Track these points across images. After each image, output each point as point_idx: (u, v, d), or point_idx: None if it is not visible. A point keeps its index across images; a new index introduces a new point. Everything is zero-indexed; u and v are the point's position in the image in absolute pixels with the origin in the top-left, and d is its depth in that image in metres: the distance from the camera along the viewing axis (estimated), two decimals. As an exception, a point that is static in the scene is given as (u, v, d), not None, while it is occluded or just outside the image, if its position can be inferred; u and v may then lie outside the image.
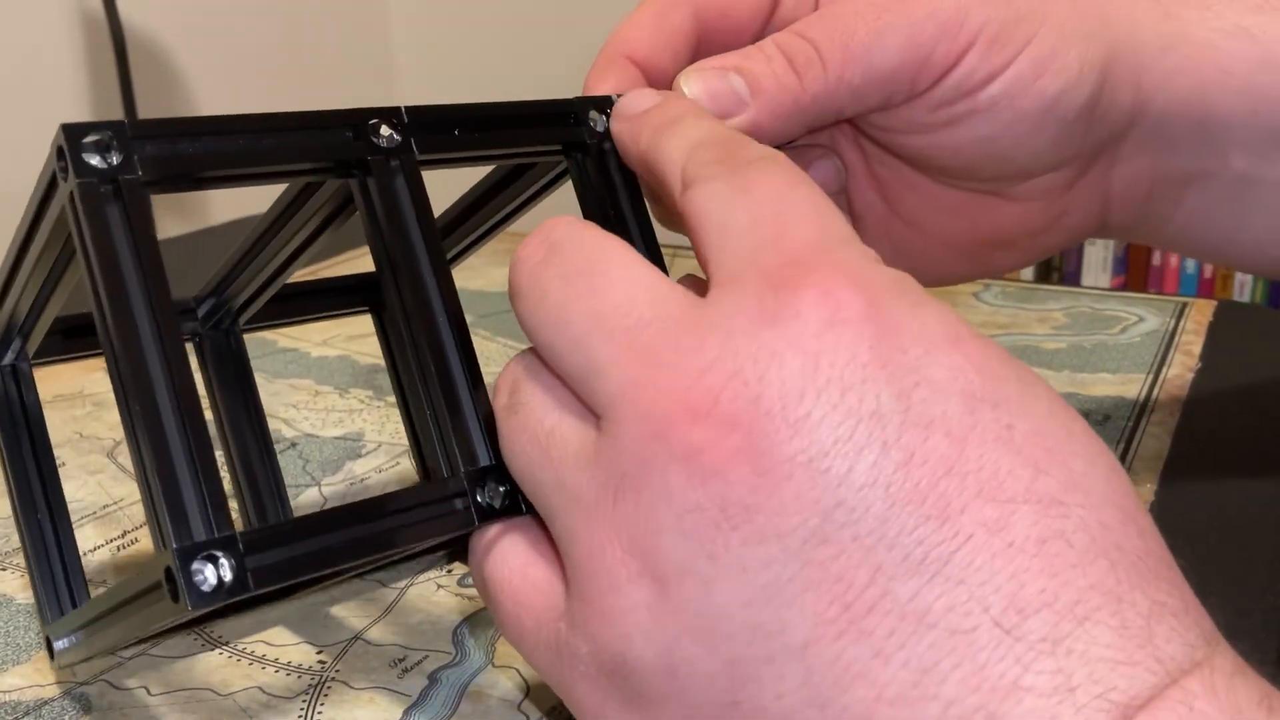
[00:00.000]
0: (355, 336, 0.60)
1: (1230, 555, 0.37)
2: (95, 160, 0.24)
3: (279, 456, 0.47)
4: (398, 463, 0.46)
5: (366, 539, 0.25)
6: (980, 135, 0.35)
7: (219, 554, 0.22)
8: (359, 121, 0.27)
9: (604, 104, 0.31)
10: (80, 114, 1.40)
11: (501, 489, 0.26)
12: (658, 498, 0.22)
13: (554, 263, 0.25)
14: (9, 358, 0.33)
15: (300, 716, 0.31)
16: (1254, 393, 0.51)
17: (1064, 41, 0.34)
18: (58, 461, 0.48)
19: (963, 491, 0.21)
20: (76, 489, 0.44)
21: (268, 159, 0.26)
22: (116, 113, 1.37)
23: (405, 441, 0.47)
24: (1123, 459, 0.44)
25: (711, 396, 0.22)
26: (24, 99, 1.32)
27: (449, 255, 0.36)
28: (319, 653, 0.34)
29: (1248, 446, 0.46)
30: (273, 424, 0.50)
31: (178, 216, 1.42)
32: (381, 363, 0.57)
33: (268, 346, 0.59)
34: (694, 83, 0.32)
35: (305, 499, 0.43)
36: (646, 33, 0.35)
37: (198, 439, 0.23)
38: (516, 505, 0.27)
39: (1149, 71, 0.36)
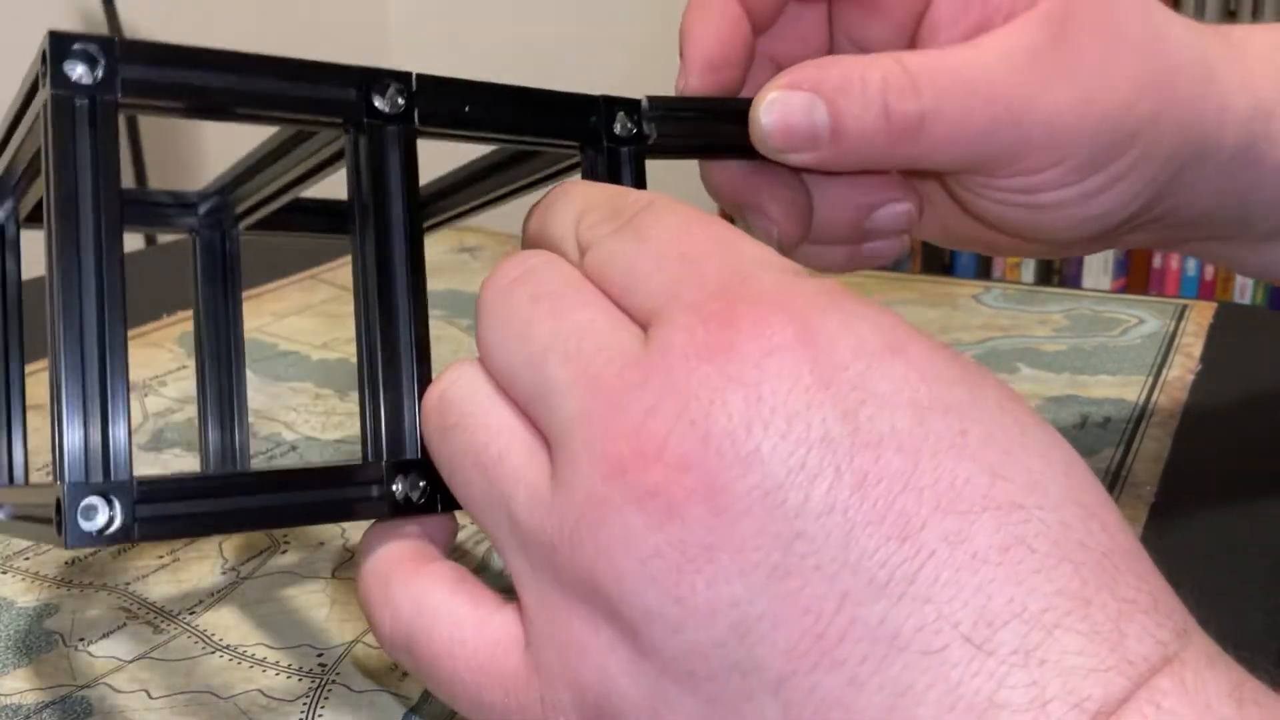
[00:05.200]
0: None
1: (1231, 557, 0.37)
2: (76, 73, 0.23)
3: (280, 459, 0.47)
4: (398, 465, 0.46)
5: (271, 510, 0.24)
6: (1027, 221, 0.35)
7: (112, 497, 0.22)
8: (365, 81, 0.26)
9: (633, 107, 0.31)
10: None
11: (422, 483, 0.26)
12: (617, 541, 0.22)
13: (526, 283, 0.25)
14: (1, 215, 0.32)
15: (301, 719, 0.31)
16: (1254, 394, 0.51)
17: (1148, 163, 0.34)
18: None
19: (921, 506, 0.20)
20: (77, 492, 0.44)
21: (260, 102, 0.25)
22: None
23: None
24: (1122, 461, 0.44)
25: (659, 440, 0.21)
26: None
27: (432, 221, 0.36)
28: (319, 655, 0.34)
29: (1248, 448, 0.46)
30: (273, 427, 0.50)
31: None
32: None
33: (268, 350, 0.59)
34: (774, 110, 0.32)
35: (306, 502, 0.43)
36: None
37: (115, 376, 0.23)
38: (434, 504, 0.26)
39: (1208, 181, 0.36)
